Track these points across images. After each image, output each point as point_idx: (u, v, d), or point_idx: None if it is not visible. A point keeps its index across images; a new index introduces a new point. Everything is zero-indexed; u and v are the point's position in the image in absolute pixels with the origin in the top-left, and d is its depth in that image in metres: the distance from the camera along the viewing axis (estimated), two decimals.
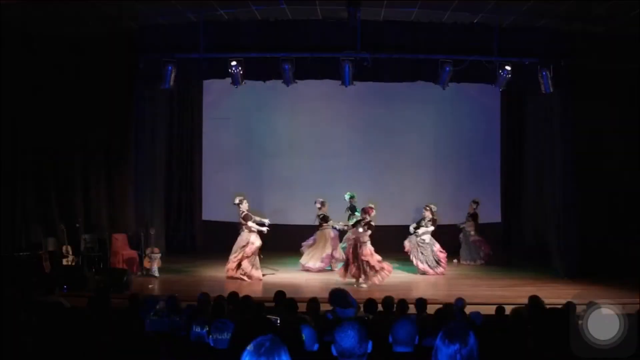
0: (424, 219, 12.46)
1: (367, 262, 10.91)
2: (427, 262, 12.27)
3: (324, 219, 12.63)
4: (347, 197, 12.95)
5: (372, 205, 11.38)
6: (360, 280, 10.94)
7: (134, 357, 3.60)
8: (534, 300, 7.04)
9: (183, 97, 14.91)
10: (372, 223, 11.14)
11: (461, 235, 13.78)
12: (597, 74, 11.52)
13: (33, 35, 11.27)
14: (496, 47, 10.99)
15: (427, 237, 12.34)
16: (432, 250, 12.35)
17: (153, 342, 3.75)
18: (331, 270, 12.32)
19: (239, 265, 11.21)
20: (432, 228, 12.37)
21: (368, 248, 11.01)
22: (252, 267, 11.24)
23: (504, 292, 10.29)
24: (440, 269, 12.24)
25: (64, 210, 12.17)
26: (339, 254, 12.35)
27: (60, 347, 4.41)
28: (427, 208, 12.41)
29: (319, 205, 12.57)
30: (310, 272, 12.15)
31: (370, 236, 11.11)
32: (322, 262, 12.36)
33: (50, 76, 11.79)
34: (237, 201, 11.35)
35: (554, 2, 9.98)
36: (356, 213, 12.16)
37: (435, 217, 12.40)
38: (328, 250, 12.44)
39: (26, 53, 11.42)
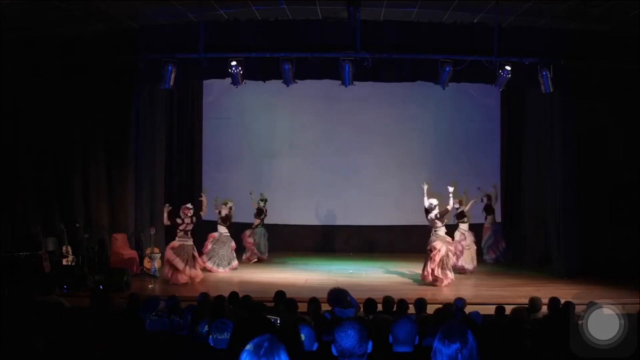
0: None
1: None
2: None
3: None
4: (262, 202, 13.51)
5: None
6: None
7: (134, 357, 3.60)
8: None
9: (183, 97, 14.91)
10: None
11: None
12: (597, 73, 11.53)
13: (33, 35, 11.27)
14: (496, 47, 10.97)
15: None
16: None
17: (153, 341, 3.75)
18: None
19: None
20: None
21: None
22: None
23: (503, 292, 10.30)
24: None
25: (64, 210, 12.16)
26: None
27: (60, 347, 4.40)
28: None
29: None
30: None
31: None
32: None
33: (50, 76, 11.78)
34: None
35: (554, 2, 9.97)
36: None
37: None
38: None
39: (26, 53, 11.41)
